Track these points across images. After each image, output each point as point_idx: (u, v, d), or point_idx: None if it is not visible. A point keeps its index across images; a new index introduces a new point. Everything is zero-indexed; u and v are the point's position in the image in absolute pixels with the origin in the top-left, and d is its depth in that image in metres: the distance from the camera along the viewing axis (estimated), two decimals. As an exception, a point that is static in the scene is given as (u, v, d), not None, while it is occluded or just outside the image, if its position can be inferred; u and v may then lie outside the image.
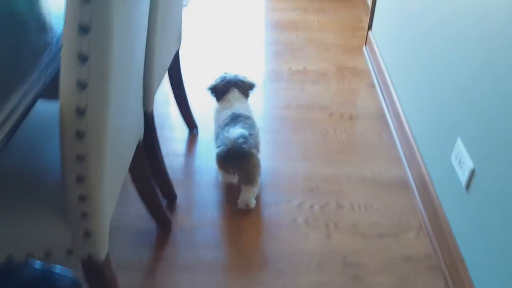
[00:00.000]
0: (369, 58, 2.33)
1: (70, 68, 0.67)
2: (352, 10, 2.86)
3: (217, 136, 1.54)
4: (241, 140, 1.42)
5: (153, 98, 1.31)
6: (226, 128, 1.49)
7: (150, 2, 1.09)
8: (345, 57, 2.38)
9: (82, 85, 0.68)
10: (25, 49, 0.88)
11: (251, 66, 2.31)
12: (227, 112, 1.56)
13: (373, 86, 2.14)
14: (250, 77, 1.71)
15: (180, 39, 1.64)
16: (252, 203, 1.50)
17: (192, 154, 1.76)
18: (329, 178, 1.62)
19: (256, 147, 1.49)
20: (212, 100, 1.69)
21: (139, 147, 1.16)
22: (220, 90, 1.65)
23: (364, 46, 2.45)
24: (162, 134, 1.83)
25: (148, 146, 1.32)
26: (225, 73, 1.70)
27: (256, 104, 2.02)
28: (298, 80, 2.20)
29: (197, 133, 1.86)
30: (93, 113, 0.72)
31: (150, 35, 1.18)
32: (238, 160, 1.44)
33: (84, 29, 0.64)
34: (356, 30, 2.65)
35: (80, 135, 0.72)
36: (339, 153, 1.74)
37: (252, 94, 1.71)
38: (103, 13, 0.65)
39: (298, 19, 2.76)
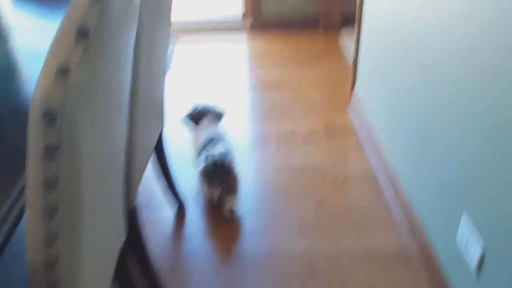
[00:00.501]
0: (355, 116, 2.30)
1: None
2: (334, 65, 2.86)
3: (198, 156, 1.79)
4: (223, 156, 1.71)
5: (136, 192, 1.23)
6: (206, 148, 1.76)
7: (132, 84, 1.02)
8: (332, 115, 2.35)
9: (51, 212, 0.60)
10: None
11: (238, 129, 2.26)
12: (203, 136, 1.84)
13: (361, 146, 2.10)
14: (219, 106, 2.04)
15: (164, 119, 1.58)
16: (236, 210, 1.73)
17: (180, 237, 1.66)
18: (328, 256, 1.54)
19: (233, 161, 1.76)
20: (188, 129, 2.04)
21: (122, 253, 1.07)
22: (194, 118, 1.97)
23: (349, 103, 2.43)
24: (147, 214, 1.73)
25: (133, 246, 1.23)
26: (196, 104, 2.01)
27: (247, 169, 1.95)
28: (287, 142, 2.15)
29: (185, 212, 1.77)
30: (65, 238, 0.63)
31: (133, 129, 1.12)
32: (222, 173, 1.69)
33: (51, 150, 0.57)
34: (340, 85, 2.64)
35: (50, 263, 0.63)
36: (336, 223, 1.67)
37: (223, 121, 2.00)
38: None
39: (281, 77, 2.75)
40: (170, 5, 1.42)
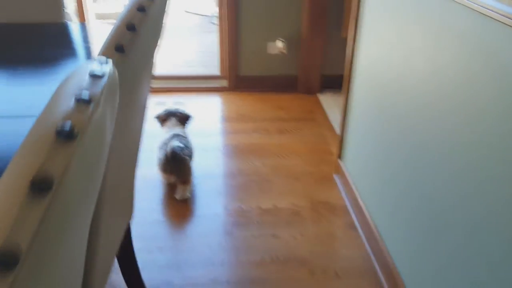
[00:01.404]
0: (343, 190, 2.11)
1: None
2: (316, 130, 2.70)
3: (160, 149, 2.06)
4: (177, 149, 1.98)
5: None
6: (166, 142, 2.04)
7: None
8: (317, 189, 2.15)
9: None
10: None
11: (213, 207, 2.02)
12: (168, 134, 2.12)
13: (354, 227, 1.90)
14: (186, 110, 2.35)
15: (133, 207, 1.33)
16: (187, 196, 2.04)
17: None
18: None
19: (190, 156, 2.06)
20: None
21: None
22: (162, 118, 2.27)
23: (334, 175, 2.24)
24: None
25: None
26: (166, 108, 2.31)
27: (225, 258, 1.69)
28: (269, 223, 1.92)
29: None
30: None
31: (95, 231, 0.87)
32: (175, 164, 1.98)
33: None
34: (324, 153, 2.46)
35: None
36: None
37: (188, 124, 2.32)
38: None
39: (261, 143, 2.56)
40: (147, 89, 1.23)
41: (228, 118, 2.86)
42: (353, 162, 2.04)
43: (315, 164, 2.36)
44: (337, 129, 2.69)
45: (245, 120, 2.82)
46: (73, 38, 1.68)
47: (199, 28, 5.00)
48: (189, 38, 4.66)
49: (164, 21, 1.11)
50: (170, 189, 2.12)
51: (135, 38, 0.88)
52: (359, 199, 1.91)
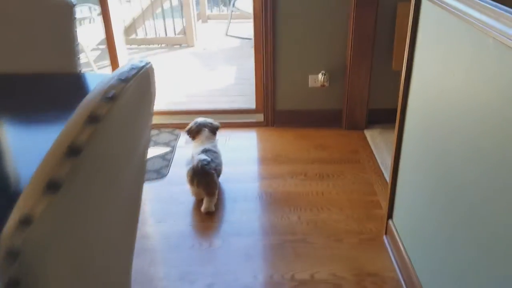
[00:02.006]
0: (394, 259, 1.79)
1: None
2: (361, 176, 2.39)
3: (188, 164, 2.18)
4: (204, 162, 2.09)
5: None
6: (195, 156, 2.15)
7: None
8: (362, 255, 1.84)
9: None
10: None
11: (241, 275, 1.76)
12: (200, 148, 2.23)
13: (407, 311, 1.57)
14: (214, 121, 2.42)
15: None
16: (212, 208, 2.13)
17: None
18: None
19: (216, 170, 2.16)
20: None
21: None
22: (194, 131, 2.36)
23: (384, 236, 1.93)
24: None
25: None
26: (195, 120, 2.39)
27: None
28: (304, 300, 1.63)
29: None
30: None
31: None
32: (201, 176, 2.08)
33: None
34: (371, 206, 2.15)
35: None
36: None
37: (218, 133, 2.42)
38: None
39: (298, 191, 2.28)
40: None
41: (262, 159, 2.61)
42: (406, 223, 1.73)
43: (360, 220, 2.05)
44: (386, 174, 2.37)
45: (282, 162, 2.55)
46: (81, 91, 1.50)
47: (240, 52, 4.82)
48: (229, 63, 4.48)
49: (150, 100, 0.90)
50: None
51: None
52: (413, 272, 1.59)
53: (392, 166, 1.86)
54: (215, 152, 2.23)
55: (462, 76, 1.23)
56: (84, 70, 4.33)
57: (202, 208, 2.12)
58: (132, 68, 0.78)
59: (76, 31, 1.71)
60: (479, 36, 1.12)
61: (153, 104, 0.92)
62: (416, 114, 1.60)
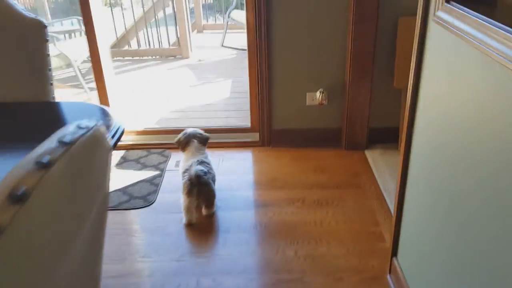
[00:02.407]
0: (401, 301, 1.63)
1: None
2: (362, 202, 2.24)
3: (183, 175, 2.13)
4: (201, 172, 2.07)
5: None
6: (190, 167, 2.11)
7: None
8: (365, 297, 1.68)
9: None
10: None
11: (232, 321, 1.60)
12: (192, 160, 2.18)
13: None
14: (204, 132, 2.35)
15: None
16: (212, 212, 2.17)
17: None
18: None
19: (213, 180, 2.16)
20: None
21: None
22: (183, 143, 2.29)
23: (388, 276, 1.77)
24: None
25: None
26: (184, 131, 2.33)
27: None
28: None
29: None
30: None
31: None
32: (200, 186, 2.06)
33: None
34: (373, 238, 1.99)
35: None
36: None
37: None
38: None
39: (295, 221, 2.12)
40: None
41: (258, 184, 2.45)
42: (412, 262, 1.57)
43: (362, 255, 1.89)
44: (388, 200, 2.21)
45: (278, 187, 2.39)
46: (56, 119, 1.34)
47: (236, 63, 4.67)
48: (225, 75, 4.34)
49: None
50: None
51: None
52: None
53: (397, 196, 1.70)
54: (208, 164, 2.21)
55: (472, 96, 1.07)
56: (72, 84, 4.21)
57: (204, 214, 2.16)
58: (79, 128, 0.63)
59: (48, 54, 1.56)
60: (488, 59, 0.97)
61: (109, 161, 0.76)
62: (424, 136, 1.44)
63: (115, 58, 5.00)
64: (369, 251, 1.92)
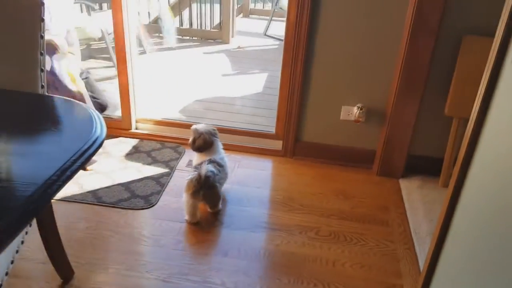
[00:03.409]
0: None
1: None
2: (386, 245, 1.93)
3: (191, 173, 1.98)
4: (209, 173, 1.91)
5: None
6: (200, 166, 1.97)
7: None
8: None
9: None
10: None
11: None
12: (204, 158, 2.05)
13: None
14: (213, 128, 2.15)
15: None
16: (219, 209, 2.07)
17: None
18: None
19: (221, 183, 2.04)
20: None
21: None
22: (197, 147, 2.11)
23: None
24: None
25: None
26: (196, 127, 2.12)
27: None
28: None
29: None
30: None
31: None
32: (205, 188, 1.92)
33: None
34: (392, 293, 1.70)
35: None
36: None
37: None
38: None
39: (304, 254, 1.85)
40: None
41: (270, 201, 2.18)
42: None
43: (374, 313, 1.61)
44: (417, 247, 1.90)
45: (293, 209, 2.12)
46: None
47: (276, 55, 4.38)
48: (261, 67, 4.06)
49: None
50: None
51: None
52: None
53: (432, 249, 1.40)
54: (221, 165, 2.06)
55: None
56: (104, 56, 4.05)
57: (208, 210, 2.08)
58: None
59: (42, 36, 1.34)
60: None
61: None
62: (480, 180, 1.13)
63: (153, 34, 4.83)
64: (384, 309, 1.63)
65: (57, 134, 1.06)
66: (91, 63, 3.90)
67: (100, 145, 1.03)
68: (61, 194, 2.08)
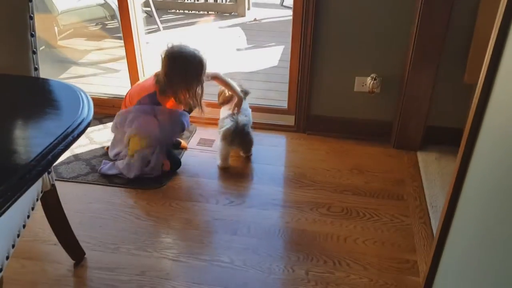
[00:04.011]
0: None
1: None
2: (401, 220, 1.87)
3: (223, 121, 2.20)
4: (245, 122, 2.15)
5: None
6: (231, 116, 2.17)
7: None
8: None
9: None
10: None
11: None
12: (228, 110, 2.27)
13: None
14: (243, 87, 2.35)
15: None
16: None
17: None
18: None
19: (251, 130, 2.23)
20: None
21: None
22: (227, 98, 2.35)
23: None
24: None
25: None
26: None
27: None
28: None
29: None
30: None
31: None
32: (242, 135, 2.13)
33: None
34: (405, 270, 1.65)
35: None
36: None
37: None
38: None
39: (314, 231, 1.81)
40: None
41: (282, 178, 2.14)
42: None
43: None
44: (434, 222, 1.83)
45: (304, 185, 2.07)
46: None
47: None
48: (277, 39, 3.96)
49: None
50: None
51: None
52: None
53: (443, 217, 1.35)
54: (246, 115, 2.26)
55: None
56: (117, 35, 4.03)
57: (241, 154, 2.26)
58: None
59: (32, 16, 1.31)
60: None
61: None
62: (493, 144, 1.07)
63: (169, 11, 4.77)
64: (397, 286, 1.58)
65: (42, 117, 1.04)
66: (106, 42, 3.89)
67: (88, 126, 1.00)
68: (71, 174, 2.10)
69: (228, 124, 2.10)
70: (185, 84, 2.02)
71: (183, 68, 1.98)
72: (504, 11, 1.00)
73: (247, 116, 2.24)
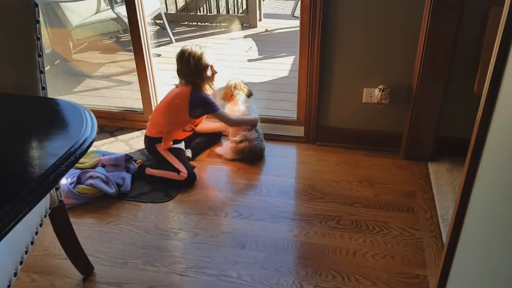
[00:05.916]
0: None
1: None
2: (411, 233, 1.84)
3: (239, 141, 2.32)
4: (259, 140, 2.33)
5: None
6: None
7: None
8: None
9: None
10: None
11: None
12: (241, 108, 2.40)
13: None
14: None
15: None
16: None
17: None
18: None
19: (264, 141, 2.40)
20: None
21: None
22: (229, 94, 2.48)
23: None
24: None
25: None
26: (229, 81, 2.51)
27: None
28: None
29: None
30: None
31: None
32: (255, 153, 2.33)
33: None
34: (415, 285, 1.61)
35: None
36: None
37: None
38: None
39: (323, 245, 1.80)
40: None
41: (291, 190, 2.14)
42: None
43: (395, 306, 1.54)
44: (445, 235, 1.80)
45: (314, 198, 2.06)
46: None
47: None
48: (288, 50, 3.96)
49: None
50: None
51: None
52: None
53: (451, 230, 1.33)
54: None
55: None
56: (130, 48, 4.08)
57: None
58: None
59: (39, 37, 1.34)
60: None
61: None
62: (499, 156, 1.05)
63: (181, 23, 4.82)
64: (406, 302, 1.56)
65: (45, 137, 1.06)
66: (120, 55, 3.95)
67: (88, 147, 1.02)
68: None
69: (240, 142, 2.28)
70: (195, 71, 2.19)
71: (188, 59, 2.19)
72: (505, 23, 0.98)
73: (256, 118, 2.39)
